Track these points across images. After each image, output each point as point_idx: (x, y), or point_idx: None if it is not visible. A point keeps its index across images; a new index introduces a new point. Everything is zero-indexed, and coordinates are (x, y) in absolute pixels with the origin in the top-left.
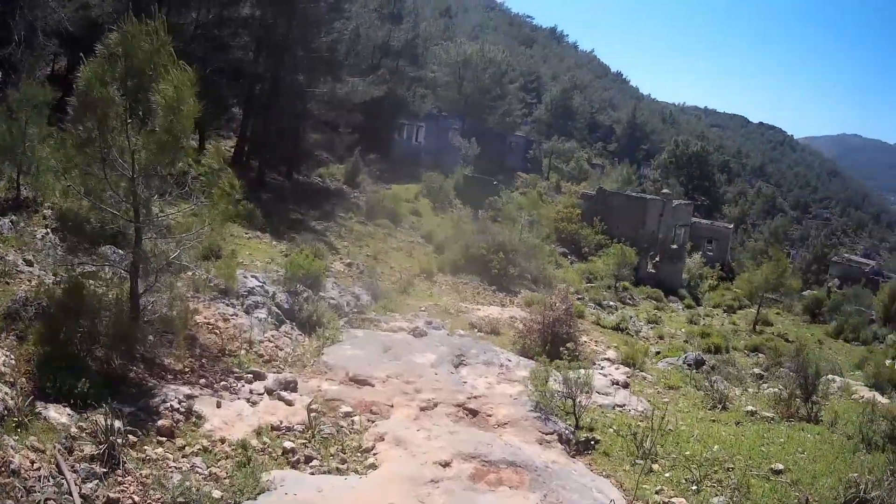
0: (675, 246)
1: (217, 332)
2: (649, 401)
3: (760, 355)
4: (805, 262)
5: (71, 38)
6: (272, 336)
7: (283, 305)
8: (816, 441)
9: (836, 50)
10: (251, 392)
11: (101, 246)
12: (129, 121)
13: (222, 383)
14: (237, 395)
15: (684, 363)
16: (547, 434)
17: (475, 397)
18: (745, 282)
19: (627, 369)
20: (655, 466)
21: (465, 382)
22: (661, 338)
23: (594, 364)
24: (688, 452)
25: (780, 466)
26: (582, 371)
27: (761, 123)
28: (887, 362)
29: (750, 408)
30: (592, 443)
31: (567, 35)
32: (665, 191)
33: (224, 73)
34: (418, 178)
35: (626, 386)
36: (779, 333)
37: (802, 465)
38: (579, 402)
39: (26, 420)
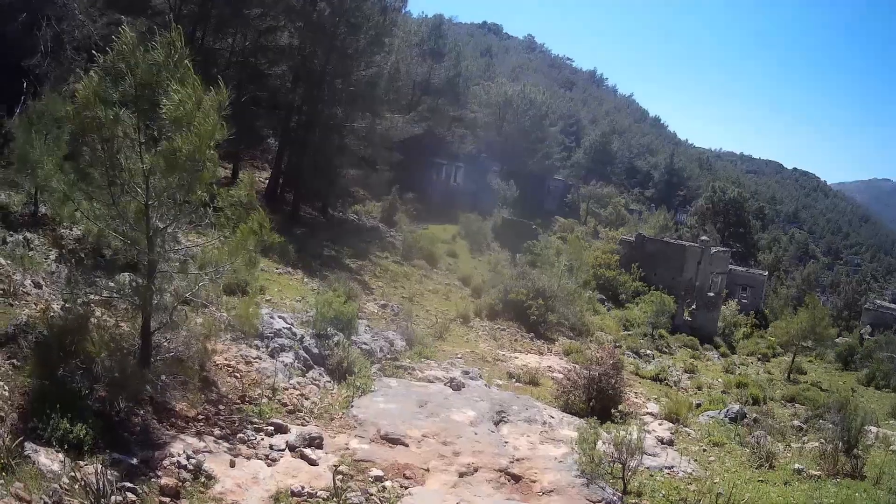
0: (711, 294)
1: (237, 375)
2: (696, 460)
3: (797, 406)
4: (836, 309)
5: (102, 54)
6: (298, 383)
7: (311, 349)
8: (865, 500)
9: (866, 94)
10: (271, 447)
11: (118, 273)
12: (142, 142)
13: (239, 435)
14: (255, 449)
15: (725, 416)
16: (595, 502)
17: (518, 460)
18: (782, 330)
19: (671, 425)
20: None
21: (506, 443)
22: (699, 388)
23: (637, 420)
24: None
25: None
26: (633, 433)
27: (795, 169)
28: None
29: (797, 465)
30: None
31: (607, 78)
32: (703, 238)
33: (260, 103)
34: (455, 219)
35: (670, 443)
36: (813, 382)
37: None
38: (629, 466)
39: (13, 463)
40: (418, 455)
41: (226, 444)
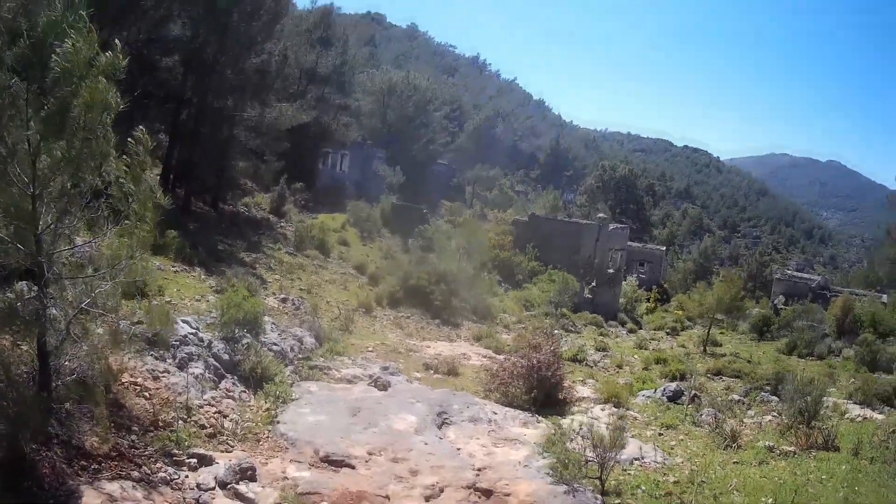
0: (611, 270)
1: (147, 395)
2: (660, 447)
3: (725, 379)
4: (741, 280)
5: None
6: (213, 398)
7: (221, 356)
8: (850, 472)
9: (761, 69)
10: (198, 487)
11: (14, 282)
12: (30, 109)
13: (160, 474)
14: (181, 491)
15: (663, 395)
16: None
17: (480, 470)
18: (695, 303)
19: (614, 409)
20: None
21: (458, 450)
22: (619, 367)
23: (580, 407)
24: None
25: None
26: (606, 427)
27: (686, 146)
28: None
29: (767, 443)
30: None
31: (489, 64)
32: (601, 215)
33: (152, 98)
34: (344, 208)
35: (617, 428)
36: (732, 353)
37: (852, 501)
38: (607, 464)
39: None
40: (371, 479)
41: (146, 489)
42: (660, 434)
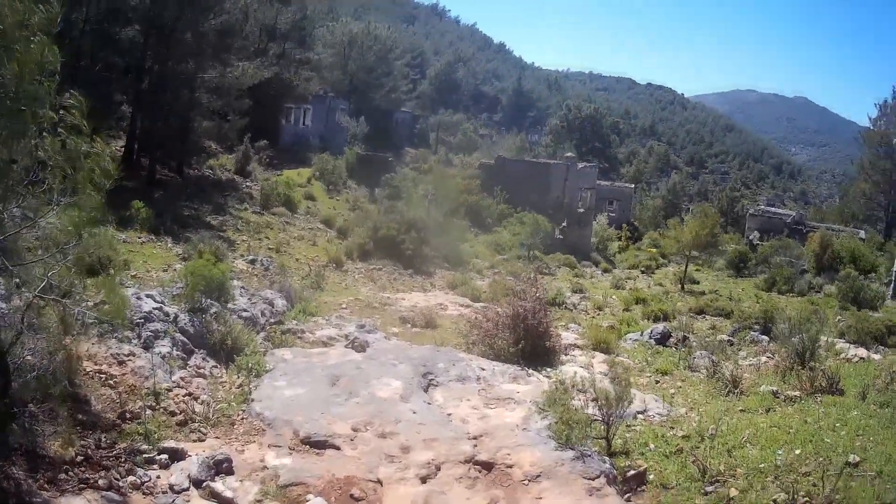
0: (581, 210)
1: (112, 384)
2: (661, 396)
3: (709, 317)
4: (717, 216)
5: None
6: (182, 379)
7: (187, 330)
8: (862, 419)
9: (723, 5)
10: (171, 489)
11: None
12: None
13: (130, 478)
14: (153, 496)
15: (651, 338)
16: (593, 479)
17: (477, 439)
18: (671, 240)
19: (605, 356)
20: (732, 492)
21: (449, 415)
22: (599, 309)
23: (570, 356)
24: (754, 463)
25: (854, 458)
26: (606, 379)
27: (649, 84)
28: None
29: (770, 387)
30: (640, 474)
31: (449, 10)
32: (569, 154)
33: (113, 69)
34: (309, 162)
35: (613, 379)
36: (711, 291)
37: (871, 451)
38: (614, 423)
39: None
40: (359, 461)
41: (115, 498)
42: (656, 382)
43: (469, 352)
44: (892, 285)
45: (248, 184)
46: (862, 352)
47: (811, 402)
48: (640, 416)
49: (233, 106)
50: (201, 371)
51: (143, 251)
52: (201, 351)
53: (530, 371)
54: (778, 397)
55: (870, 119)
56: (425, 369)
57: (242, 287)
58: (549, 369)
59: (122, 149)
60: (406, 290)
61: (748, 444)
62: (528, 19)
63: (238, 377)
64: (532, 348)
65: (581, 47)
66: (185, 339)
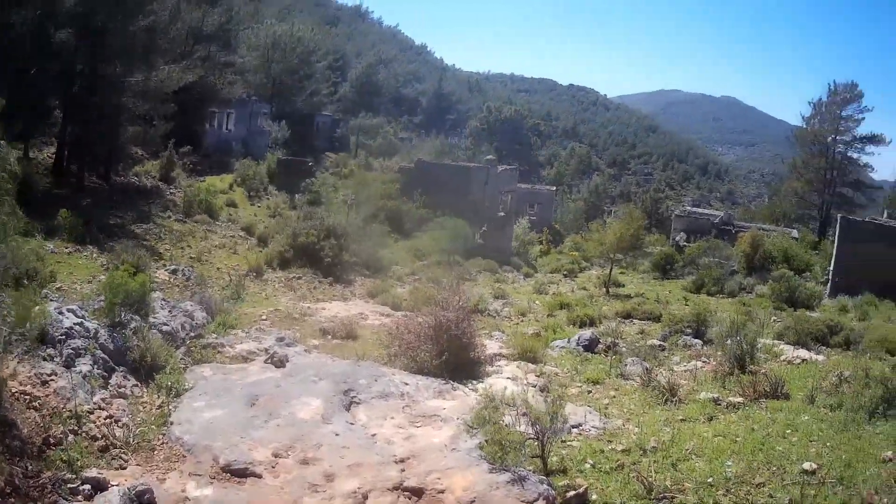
0: (502, 213)
1: (36, 405)
2: (595, 409)
3: (636, 321)
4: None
5: None
6: (103, 400)
7: (108, 346)
8: (814, 423)
9: (648, 4)
10: None
11: None
12: None
13: None
14: None
15: (578, 345)
16: (532, 503)
17: (403, 462)
18: (595, 242)
19: (532, 366)
20: None
21: (374, 436)
22: (523, 315)
23: (496, 368)
24: (702, 477)
25: (810, 465)
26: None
27: (571, 85)
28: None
29: (710, 394)
30: (581, 494)
31: (372, 12)
32: (489, 157)
33: (48, 74)
34: (232, 168)
35: (544, 389)
36: (637, 294)
37: (827, 457)
38: (549, 441)
39: None
40: (281, 491)
41: None
42: (588, 392)
43: (391, 365)
44: (829, 284)
45: (171, 190)
46: (803, 353)
47: (755, 408)
48: (574, 430)
49: (158, 110)
50: (122, 391)
51: (69, 262)
52: (122, 369)
53: (455, 385)
54: (719, 404)
55: (802, 118)
56: (346, 386)
57: (163, 299)
58: (474, 382)
59: (54, 156)
60: (326, 299)
61: (693, 456)
62: (450, 21)
63: (158, 397)
64: (456, 360)
65: (503, 49)
66: (106, 357)
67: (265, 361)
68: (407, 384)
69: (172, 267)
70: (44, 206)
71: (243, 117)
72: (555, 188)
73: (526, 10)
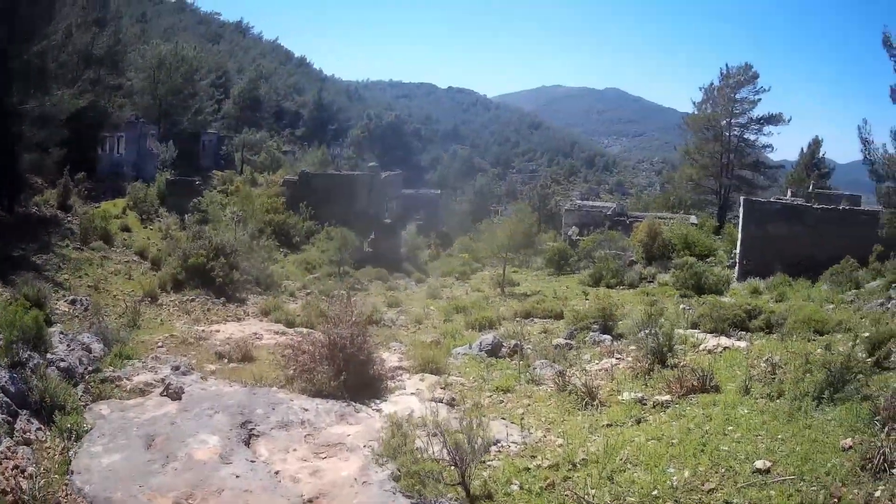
0: (388, 220)
1: None
2: (511, 421)
3: (536, 320)
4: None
5: None
6: (9, 449)
7: (9, 389)
8: (753, 416)
9: (522, 3)
10: None
11: None
12: None
13: None
14: None
15: (481, 350)
16: None
17: (312, 502)
18: (486, 243)
19: (436, 378)
20: None
21: (277, 474)
22: (419, 323)
23: (392, 380)
24: (646, 489)
25: (764, 463)
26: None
27: (450, 88)
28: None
29: (634, 394)
30: None
31: (252, 27)
32: (372, 164)
33: None
34: (125, 192)
35: (452, 403)
36: (535, 292)
37: (779, 451)
38: (470, 467)
39: None
40: None
41: None
42: (500, 402)
43: (289, 388)
44: (736, 268)
45: (69, 218)
46: (724, 340)
47: (686, 405)
48: (492, 447)
49: (53, 137)
50: (27, 436)
51: None
52: (25, 412)
53: (358, 406)
54: (645, 404)
55: (694, 103)
56: (243, 418)
57: (61, 332)
58: (377, 401)
59: None
60: (220, 320)
61: (630, 466)
62: (328, 31)
63: (60, 441)
64: (356, 379)
65: (381, 56)
66: (9, 400)
67: (161, 394)
68: (307, 410)
69: (71, 297)
70: None
71: (133, 140)
72: (439, 192)
73: (402, 15)
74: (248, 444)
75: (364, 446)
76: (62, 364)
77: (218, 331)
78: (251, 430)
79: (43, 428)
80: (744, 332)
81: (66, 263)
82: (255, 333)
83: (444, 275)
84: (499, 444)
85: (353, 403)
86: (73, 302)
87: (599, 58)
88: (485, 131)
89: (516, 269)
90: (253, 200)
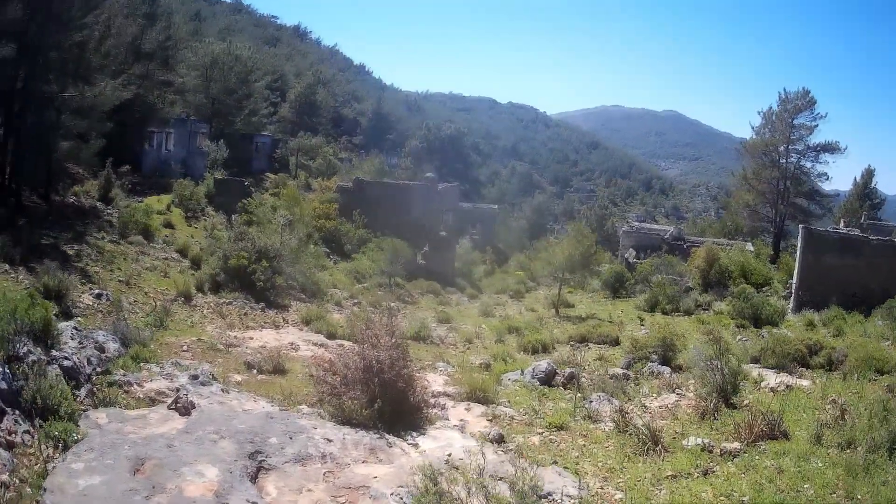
0: (443, 233)
1: None
2: (564, 466)
3: (592, 345)
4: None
5: None
6: None
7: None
8: (825, 469)
9: (583, 19)
10: None
11: None
12: None
13: None
14: None
15: (533, 378)
16: None
17: None
18: (544, 261)
19: (483, 408)
20: None
21: None
22: (469, 342)
23: (434, 408)
24: None
25: None
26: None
27: (510, 103)
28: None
29: (699, 439)
30: None
31: (311, 32)
32: (429, 174)
33: None
34: (171, 188)
35: (499, 440)
36: (589, 314)
37: None
38: None
39: None
40: None
41: None
42: (551, 440)
43: (320, 407)
44: (791, 298)
45: (109, 211)
46: (784, 378)
47: (755, 454)
48: (543, 500)
49: (95, 128)
50: (12, 438)
51: None
52: (14, 411)
53: (391, 439)
54: (712, 452)
55: (752, 128)
56: (254, 447)
57: (75, 328)
58: (415, 434)
59: None
60: (257, 326)
61: None
62: (388, 41)
63: (46, 447)
64: (392, 407)
65: (441, 68)
66: None
67: (169, 406)
68: (331, 441)
69: (97, 291)
70: None
71: (182, 137)
72: (496, 207)
73: (464, 28)
74: (254, 479)
75: (392, 494)
76: (66, 362)
77: (252, 338)
78: (261, 462)
79: (32, 431)
80: (804, 369)
81: (100, 256)
82: (292, 343)
83: (498, 292)
84: (551, 498)
85: (387, 436)
86: (98, 296)
87: (659, 79)
88: (544, 148)
89: (571, 289)
90: (302, 204)
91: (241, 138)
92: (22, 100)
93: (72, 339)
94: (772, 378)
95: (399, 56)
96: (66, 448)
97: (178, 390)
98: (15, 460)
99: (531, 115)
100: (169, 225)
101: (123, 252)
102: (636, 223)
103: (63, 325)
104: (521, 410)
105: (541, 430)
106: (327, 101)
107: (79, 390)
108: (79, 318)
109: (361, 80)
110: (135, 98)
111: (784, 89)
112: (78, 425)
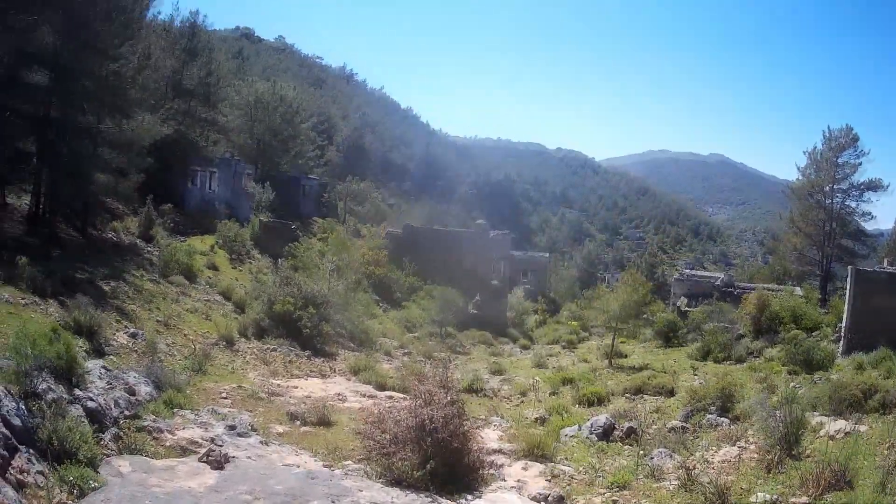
0: (496, 282)
1: None
2: None
3: (647, 397)
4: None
5: None
6: None
7: (12, 419)
8: None
9: (628, 65)
10: None
11: None
12: None
13: None
14: None
15: (591, 433)
16: None
17: None
18: (598, 311)
19: (542, 467)
20: None
21: None
22: (523, 395)
23: (490, 468)
24: None
25: None
26: None
27: (559, 149)
28: None
29: (767, 495)
30: None
31: (356, 74)
32: (480, 221)
33: (23, 117)
34: (214, 229)
35: (559, 502)
36: (643, 365)
37: None
38: None
39: None
40: None
41: None
42: (614, 501)
43: (366, 465)
44: (841, 342)
45: (149, 249)
46: (841, 424)
47: None
48: None
49: (133, 163)
50: (22, 477)
51: (22, 314)
52: (27, 450)
53: (444, 503)
54: None
55: (798, 169)
56: None
57: (104, 367)
58: (469, 497)
59: (28, 204)
60: (302, 374)
61: None
62: (437, 85)
63: (60, 491)
64: (446, 468)
65: (489, 114)
66: (8, 433)
67: (200, 459)
68: None
69: (132, 330)
70: (12, 254)
71: (227, 177)
72: (548, 255)
73: (510, 75)
74: None
75: None
76: (90, 403)
77: (296, 387)
78: None
79: (46, 472)
80: (859, 414)
81: (138, 294)
82: (339, 394)
83: (551, 342)
84: None
85: (439, 499)
86: (133, 335)
87: (703, 122)
88: (593, 195)
89: (623, 339)
90: (350, 250)
91: (287, 181)
92: (56, 129)
93: (100, 378)
94: (829, 425)
95: (447, 101)
96: (81, 495)
97: (212, 441)
98: (24, 501)
99: (580, 160)
100: (213, 266)
101: (163, 292)
102: (687, 271)
103: (91, 363)
104: (581, 468)
105: (602, 490)
106: (375, 145)
107: (103, 433)
108: (111, 357)
109: (409, 124)
110: (176, 135)
111: (828, 127)
112: (97, 472)
